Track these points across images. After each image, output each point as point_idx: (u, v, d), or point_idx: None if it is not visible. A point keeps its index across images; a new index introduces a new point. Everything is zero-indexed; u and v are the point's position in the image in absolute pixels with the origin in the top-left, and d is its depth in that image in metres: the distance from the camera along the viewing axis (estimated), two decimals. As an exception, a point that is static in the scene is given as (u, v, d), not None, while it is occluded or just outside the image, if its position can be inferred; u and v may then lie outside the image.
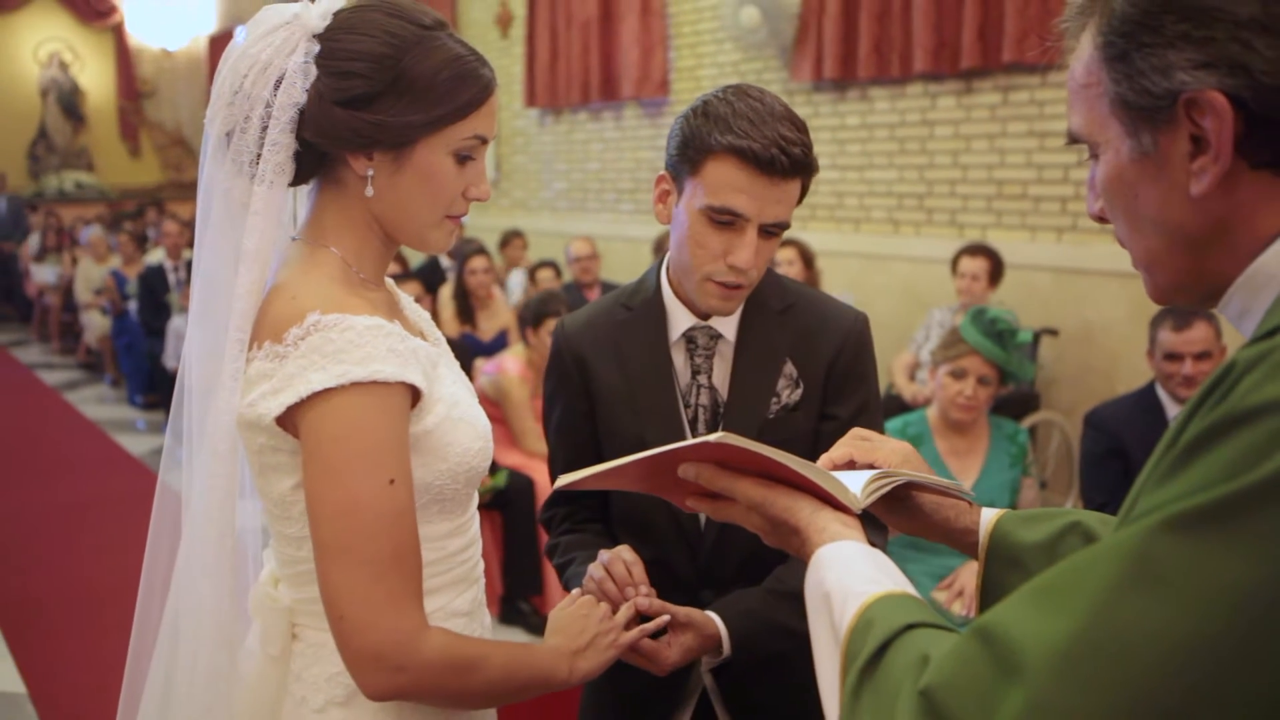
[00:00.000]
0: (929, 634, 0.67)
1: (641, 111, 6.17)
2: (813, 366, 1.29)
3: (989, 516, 0.97)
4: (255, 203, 0.99)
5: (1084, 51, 0.70)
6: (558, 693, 1.65)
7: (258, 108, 0.98)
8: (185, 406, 1.05)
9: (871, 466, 0.95)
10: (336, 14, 1.00)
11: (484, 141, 1.04)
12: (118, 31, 12.34)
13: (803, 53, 4.92)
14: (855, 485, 0.86)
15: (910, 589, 0.74)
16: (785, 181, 1.19)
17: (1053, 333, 4.09)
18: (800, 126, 1.21)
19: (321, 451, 0.93)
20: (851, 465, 0.96)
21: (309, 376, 0.92)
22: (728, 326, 1.30)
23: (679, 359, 1.32)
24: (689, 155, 1.21)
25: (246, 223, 1.00)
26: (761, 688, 1.33)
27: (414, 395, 0.98)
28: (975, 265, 3.94)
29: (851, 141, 4.91)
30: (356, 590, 0.92)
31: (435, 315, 4.42)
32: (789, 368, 1.29)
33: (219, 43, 12.19)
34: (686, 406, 1.31)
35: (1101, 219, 0.74)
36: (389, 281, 1.14)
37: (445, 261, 5.75)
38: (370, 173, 1.00)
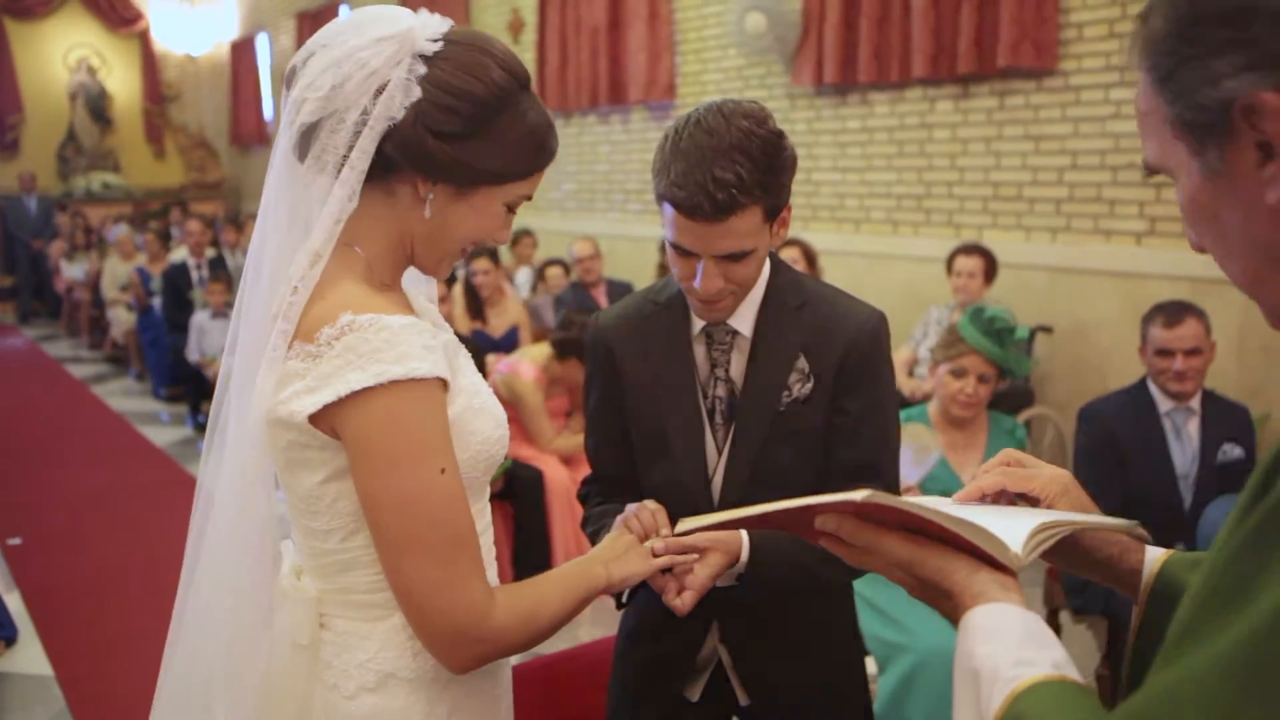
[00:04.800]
0: None
1: (648, 114, 6.29)
2: (824, 361, 1.32)
3: (1155, 557, 0.90)
4: (331, 203, 1.01)
5: (1141, 79, 0.68)
6: (584, 673, 1.70)
7: (354, 111, 0.99)
8: (222, 398, 1.06)
9: (1024, 496, 0.90)
10: (448, 41, 1.02)
11: (528, 200, 1.11)
12: (143, 38, 12.59)
13: (804, 58, 5.02)
14: (1015, 535, 0.76)
15: (1066, 667, 0.67)
16: (718, 222, 1.21)
17: (1047, 330, 4.18)
18: (750, 156, 1.20)
19: (373, 450, 0.95)
20: (1003, 496, 0.91)
21: (346, 376, 0.94)
22: (744, 323, 1.34)
23: (699, 352, 1.37)
24: (654, 190, 1.28)
25: (320, 220, 1.01)
26: (775, 662, 1.37)
27: (446, 387, 1.01)
28: (970, 264, 4.03)
29: (852, 144, 5.01)
30: (428, 578, 0.95)
31: (448, 315, 4.52)
32: (801, 362, 1.32)
33: (240, 49, 12.41)
34: (705, 397, 1.36)
35: (1202, 250, 0.69)
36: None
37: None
38: (430, 197, 1.03)
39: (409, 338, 0.97)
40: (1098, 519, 0.87)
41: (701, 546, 1.23)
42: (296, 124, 1.02)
